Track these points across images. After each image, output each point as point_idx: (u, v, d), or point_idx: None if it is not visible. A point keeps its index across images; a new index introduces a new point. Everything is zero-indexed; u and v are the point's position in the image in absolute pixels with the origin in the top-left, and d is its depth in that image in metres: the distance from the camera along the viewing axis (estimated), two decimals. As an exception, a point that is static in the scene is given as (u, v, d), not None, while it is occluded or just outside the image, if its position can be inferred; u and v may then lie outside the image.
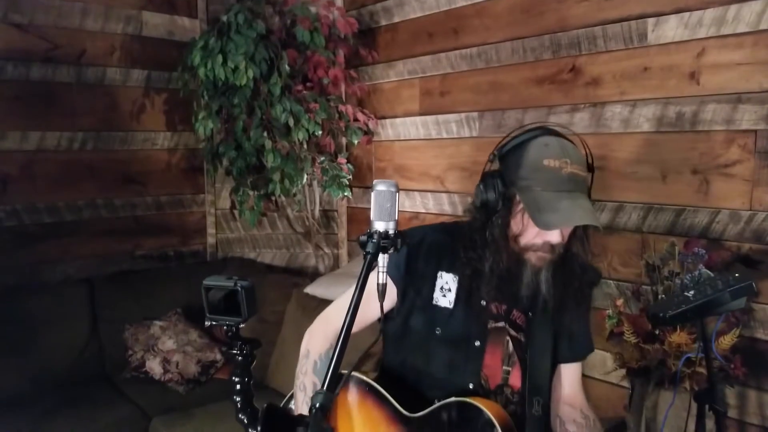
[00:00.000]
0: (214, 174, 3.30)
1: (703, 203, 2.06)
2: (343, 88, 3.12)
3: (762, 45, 1.89)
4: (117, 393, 2.62)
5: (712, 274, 1.74)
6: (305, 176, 2.96)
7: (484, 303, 1.23)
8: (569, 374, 1.37)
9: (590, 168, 1.29)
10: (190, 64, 2.81)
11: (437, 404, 1.19)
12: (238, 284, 0.91)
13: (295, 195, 3.07)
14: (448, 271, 1.27)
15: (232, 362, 0.97)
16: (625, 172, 2.25)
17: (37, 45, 2.88)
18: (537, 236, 1.20)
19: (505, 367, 1.26)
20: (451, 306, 1.26)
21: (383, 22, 3.14)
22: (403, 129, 3.11)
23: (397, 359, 1.36)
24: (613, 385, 2.25)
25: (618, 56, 2.24)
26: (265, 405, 0.94)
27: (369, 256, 1.00)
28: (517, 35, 2.55)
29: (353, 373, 1.23)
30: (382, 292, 1.03)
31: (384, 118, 3.21)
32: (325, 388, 0.77)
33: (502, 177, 1.24)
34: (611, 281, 2.27)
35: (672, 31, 2.09)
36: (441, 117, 2.92)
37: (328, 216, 3.43)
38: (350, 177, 3.14)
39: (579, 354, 1.40)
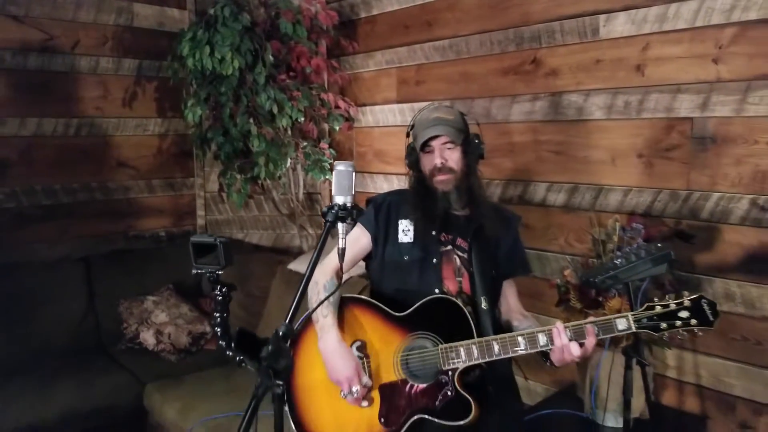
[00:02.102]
0: (203, 158, 3.48)
1: (647, 184, 2.27)
2: (325, 77, 3.29)
3: (698, 40, 2.10)
4: (113, 362, 2.82)
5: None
6: (289, 160, 3.14)
7: (434, 233, 1.63)
8: (511, 290, 1.79)
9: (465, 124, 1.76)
10: (180, 54, 2.98)
11: (418, 303, 1.54)
12: (217, 240, 1.10)
13: (279, 178, 3.25)
14: (404, 218, 1.70)
15: (213, 300, 1.19)
16: (579, 156, 2.46)
17: (33, 36, 3.03)
18: (428, 164, 1.66)
19: (457, 278, 1.62)
20: (411, 240, 1.66)
21: (363, 15, 3.31)
22: (382, 116, 3.30)
23: (382, 286, 1.73)
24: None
25: (574, 49, 2.43)
26: (237, 328, 1.17)
27: (328, 224, 1.21)
28: (485, 29, 2.74)
29: (356, 295, 1.60)
30: (341, 255, 1.25)
31: (364, 105, 3.39)
32: (287, 321, 0.98)
33: (412, 138, 1.75)
34: (567, 256, 2.49)
35: (621, 27, 2.28)
36: (417, 105, 3.09)
37: (311, 198, 3.62)
38: (332, 161, 3.33)
39: (515, 271, 1.79)
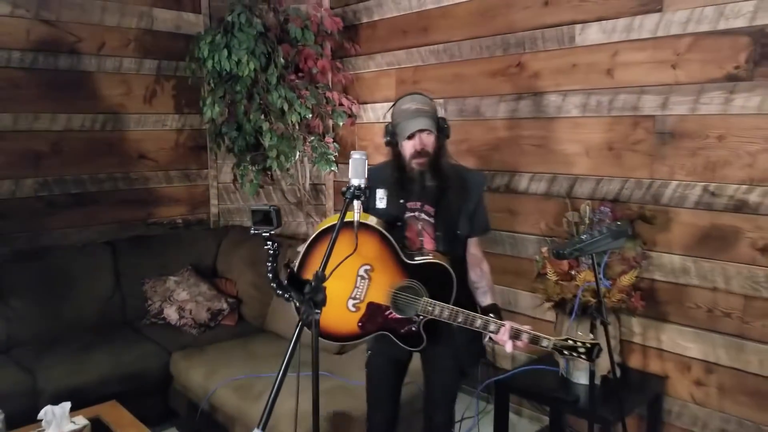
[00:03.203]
0: (217, 151, 3.77)
1: (616, 174, 2.59)
2: (330, 77, 3.59)
3: (659, 48, 2.41)
4: (140, 335, 3.12)
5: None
6: (297, 153, 3.45)
7: (401, 201, 1.91)
8: (473, 247, 2.03)
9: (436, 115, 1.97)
10: (198, 56, 3.27)
11: (423, 260, 1.83)
12: (271, 207, 1.37)
13: (288, 170, 3.55)
14: (380, 188, 1.97)
15: (267, 253, 1.46)
16: (557, 149, 2.78)
17: (64, 38, 3.32)
18: (408, 149, 1.89)
19: (419, 238, 1.93)
20: (384, 207, 1.96)
21: (364, 20, 3.61)
22: (382, 113, 3.60)
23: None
24: (543, 320, 2.79)
25: (553, 55, 2.75)
26: (289, 270, 1.47)
27: (348, 201, 1.52)
28: (475, 35, 3.04)
29: (383, 230, 1.82)
30: (356, 227, 1.56)
31: (365, 103, 3.70)
32: (321, 268, 1.31)
33: (391, 126, 1.96)
34: (547, 238, 2.80)
35: (594, 36, 2.60)
36: (414, 103, 3.41)
37: (317, 189, 3.93)
38: (336, 154, 3.63)
39: (477, 230, 2.01)
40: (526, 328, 1.76)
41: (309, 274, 1.79)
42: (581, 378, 2.40)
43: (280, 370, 1.20)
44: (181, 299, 3.21)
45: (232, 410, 2.48)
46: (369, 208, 1.97)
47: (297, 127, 3.41)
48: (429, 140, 1.88)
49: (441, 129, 1.93)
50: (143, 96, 3.65)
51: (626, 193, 2.56)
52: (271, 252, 1.41)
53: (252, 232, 1.43)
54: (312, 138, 3.51)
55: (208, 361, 2.79)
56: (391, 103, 2.03)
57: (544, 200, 2.85)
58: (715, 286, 2.34)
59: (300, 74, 3.41)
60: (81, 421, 2.22)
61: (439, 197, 1.90)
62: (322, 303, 1.26)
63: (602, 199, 2.60)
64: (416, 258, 1.84)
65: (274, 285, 1.42)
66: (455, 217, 1.93)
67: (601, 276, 2.16)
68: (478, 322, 1.76)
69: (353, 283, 1.82)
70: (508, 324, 1.75)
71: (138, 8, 3.56)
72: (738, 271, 2.28)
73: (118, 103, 3.55)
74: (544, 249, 2.44)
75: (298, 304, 1.28)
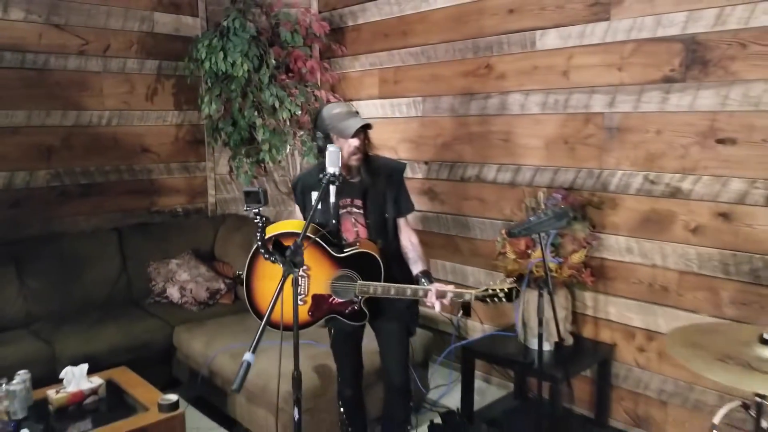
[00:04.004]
0: (214, 145, 4.06)
1: (571, 165, 2.90)
2: (318, 76, 3.88)
3: (608, 53, 2.72)
4: (145, 312, 3.43)
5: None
6: (288, 147, 3.74)
7: (332, 201, 2.00)
8: (402, 225, 2.24)
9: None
10: (196, 57, 3.56)
11: (351, 252, 2.09)
12: (259, 188, 1.64)
13: (280, 162, 3.85)
14: (312, 191, 2.17)
15: (256, 226, 1.75)
16: (521, 143, 3.09)
17: (72, 41, 3.60)
18: (350, 148, 2.06)
19: (354, 229, 2.17)
20: (319, 208, 2.03)
21: (350, 24, 3.91)
22: (366, 109, 3.90)
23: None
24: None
25: (517, 58, 3.05)
26: (274, 239, 1.76)
27: (324, 185, 1.83)
28: (449, 39, 3.34)
29: (312, 236, 2.06)
30: (335, 208, 1.87)
31: (351, 100, 3.99)
32: (300, 239, 1.61)
33: (321, 132, 2.11)
34: (511, 222, 3.11)
35: (552, 41, 2.90)
36: (395, 101, 3.72)
37: (307, 180, 4.22)
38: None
39: (403, 211, 2.23)
40: (449, 287, 2.00)
41: (257, 279, 2.16)
42: (536, 343, 2.72)
43: (269, 309, 1.52)
44: (183, 280, 3.52)
45: (229, 374, 2.79)
46: (306, 209, 2.21)
47: (288, 122, 3.70)
48: (362, 140, 2.10)
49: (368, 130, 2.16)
50: (145, 94, 3.94)
51: (579, 181, 2.87)
52: (260, 225, 1.71)
53: (245, 209, 1.72)
54: (302, 133, 3.81)
55: (207, 333, 3.10)
56: (321, 111, 2.16)
57: (510, 189, 3.16)
58: (654, 263, 2.66)
59: (290, 74, 3.70)
60: (96, 380, 2.54)
61: (365, 190, 2.13)
62: (300, 264, 1.57)
63: (559, 187, 2.92)
64: (345, 250, 2.09)
65: (263, 251, 1.72)
66: (382, 204, 2.16)
67: (549, 253, 2.48)
68: (408, 291, 2.01)
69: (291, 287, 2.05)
70: (432, 287, 2.00)
71: (140, 12, 3.85)
72: (673, 250, 2.60)
73: (123, 101, 3.84)
74: (503, 231, 2.75)
75: (282, 264, 1.58)
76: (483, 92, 3.23)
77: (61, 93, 3.60)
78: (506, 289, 1.96)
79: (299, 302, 2.11)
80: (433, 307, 1.99)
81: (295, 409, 1.62)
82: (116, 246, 3.65)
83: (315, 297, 2.12)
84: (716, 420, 1.28)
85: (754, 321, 2.37)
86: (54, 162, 3.61)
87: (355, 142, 2.05)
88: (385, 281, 2.06)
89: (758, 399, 1.30)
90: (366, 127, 2.09)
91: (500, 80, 3.14)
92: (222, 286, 3.57)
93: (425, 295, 2.00)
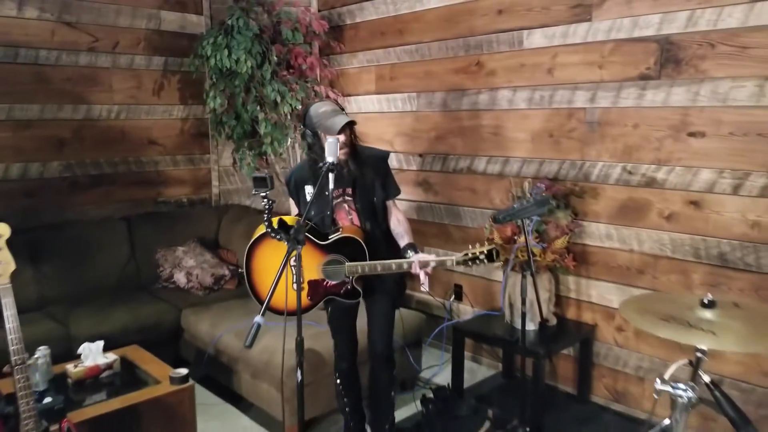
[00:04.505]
0: (218, 138, 4.24)
1: (555, 157, 3.09)
2: (317, 72, 4.05)
3: (589, 52, 2.90)
4: (153, 296, 3.61)
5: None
6: (289, 140, 3.92)
7: (327, 193, 2.19)
8: (391, 206, 2.41)
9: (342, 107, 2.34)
10: (201, 53, 3.73)
11: (335, 238, 2.27)
12: (266, 174, 1.82)
13: (281, 154, 4.03)
14: (307, 184, 2.33)
15: (266, 207, 1.92)
16: (509, 136, 3.27)
17: (83, 38, 3.77)
18: (333, 144, 2.12)
19: (348, 216, 2.33)
20: (314, 199, 2.18)
21: (348, 22, 4.08)
22: (364, 104, 4.08)
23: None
24: (493, 280, 3.31)
25: (506, 56, 3.23)
26: (279, 218, 1.94)
27: (323, 173, 2.01)
28: (442, 37, 3.52)
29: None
30: (331, 197, 2.05)
31: (349, 95, 4.17)
32: (302, 220, 1.80)
33: (309, 129, 2.27)
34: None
35: (538, 40, 3.08)
36: (390, 96, 3.90)
37: (307, 172, 4.40)
38: (324, 141, 4.10)
39: (390, 194, 2.40)
40: (431, 257, 2.17)
41: (256, 274, 2.37)
42: (527, 324, 2.91)
43: (279, 270, 1.72)
44: (189, 266, 3.71)
45: (234, 352, 2.99)
46: (300, 203, 2.37)
47: (289, 116, 3.88)
48: (347, 134, 2.25)
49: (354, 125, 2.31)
50: (152, 89, 4.11)
51: (563, 172, 3.06)
52: (267, 206, 1.90)
53: (253, 192, 1.90)
54: (302, 126, 3.97)
55: (213, 315, 3.28)
56: (309, 109, 2.29)
57: (498, 180, 3.35)
58: (631, 249, 2.85)
59: (291, 70, 3.87)
60: (111, 356, 2.72)
61: (354, 179, 2.31)
62: (303, 242, 1.76)
63: (544, 178, 3.10)
64: (330, 237, 2.27)
65: (269, 230, 1.91)
66: (371, 189, 2.33)
67: (531, 237, 2.66)
68: (393, 266, 2.18)
69: (291, 271, 2.18)
70: (415, 258, 2.16)
71: (147, 11, 4.02)
72: (649, 236, 2.79)
73: (131, 96, 4.02)
74: (490, 217, 2.94)
75: (286, 241, 1.77)
76: (474, 88, 3.41)
77: (73, 88, 3.77)
78: (486, 251, 2.08)
79: (295, 287, 2.28)
80: (419, 278, 2.14)
81: (298, 371, 1.80)
82: (125, 234, 3.83)
83: (310, 283, 2.30)
84: (666, 375, 1.46)
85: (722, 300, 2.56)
86: (66, 154, 3.79)
87: (341, 138, 2.18)
88: (374, 260, 2.23)
89: (698, 354, 1.49)
90: (351, 124, 2.22)
91: (490, 77, 3.32)
92: (226, 272, 3.76)
93: (409, 267, 2.15)
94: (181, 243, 3.89)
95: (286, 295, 1.94)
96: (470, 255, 2.10)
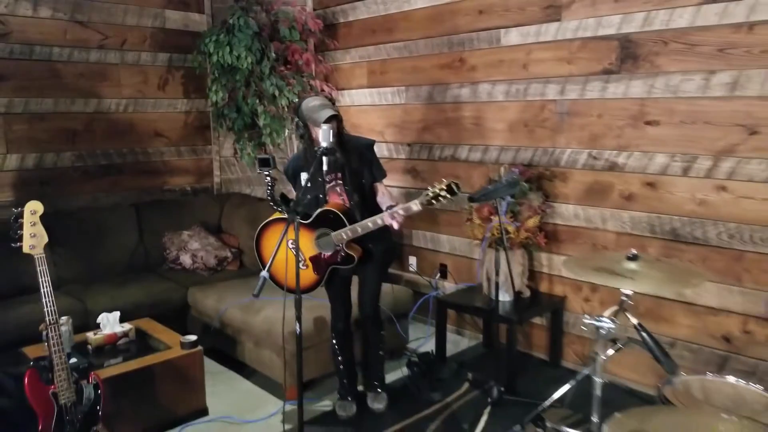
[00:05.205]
0: (219, 130, 4.52)
1: (529, 144, 3.39)
2: (313, 68, 4.33)
3: (559, 49, 3.19)
4: (161, 276, 3.90)
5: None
6: (287, 131, 4.20)
7: (320, 179, 2.47)
8: (379, 186, 2.68)
9: (332, 101, 2.64)
10: (204, 50, 4.01)
11: (314, 215, 2.55)
12: (269, 155, 2.10)
13: (279, 145, 4.31)
14: (302, 171, 2.57)
15: (269, 184, 2.20)
16: (489, 126, 3.56)
17: (93, 36, 4.04)
18: (324, 129, 2.34)
19: (341, 197, 2.60)
20: (309, 185, 2.41)
21: (341, 20, 4.36)
22: (357, 97, 4.36)
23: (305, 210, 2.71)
24: (473, 258, 3.61)
25: (485, 52, 3.52)
26: (280, 192, 2.23)
27: (318, 157, 2.30)
28: (428, 35, 3.81)
29: (281, 216, 2.57)
30: (322, 185, 2.34)
31: (343, 89, 4.46)
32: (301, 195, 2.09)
33: (301, 121, 2.53)
34: (481, 195, 3.60)
35: (514, 38, 3.37)
36: (381, 89, 4.18)
37: (303, 161, 4.68)
38: (319, 132, 4.38)
39: (377, 177, 2.68)
40: (398, 207, 2.40)
41: (263, 249, 2.69)
42: (501, 296, 3.22)
43: (281, 237, 2.03)
44: (194, 248, 3.99)
45: (238, 324, 3.28)
46: (297, 188, 2.62)
47: (286, 109, 4.16)
48: (334, 124, 2.48)
49: (339, 116, 2.57)
50: (158, 84, 4.39)
51: (536, 159, 3.36)
52: (269, 183, 2.19)
53: (257, 171, 2.20)
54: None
55: (217, 292, 3.57)
56: (300, 103, 2.57)
57: (479, 166, 3.64)
58: (596, 227, 3.16)
59: (288, 66, 4.15)
60: (127, 326, 3.02)
61: (343, 165, 2.57)
62: (301, 213, 2.05)
63: (520, 164, 3.40)
64: (311, 215, 2.55)
65: (272, 203, 2.20)
66: (359, 173, 2.60)
67: (504, 215, 2.96)
68: (370, 225, 2.45)
69: (292, 254, 2.44)
70: (385, 212, 2.43)
71: (153, 10, 4.29)
72: (611, 215, 3.09)
73: (138, 90, 4.29)
74: (468, 198, 3.24)
75: (287, 213, 2.06)
76: (457, 82, 3.70)
77: (84, 83, 4.04)
78: (445, 186, 2.28)
79: (302, 267, 2.60)
80: (392, 224, 2.41)
81: (296, 324, 2.10)
82: (134, 219, 4.11)
83: (312, 259, 2.61)
84: (607, 313, 1.77)
85: (674, 272, 2.87)
86: (78, 145, 4.06)
87: (328, 127, 2.37)
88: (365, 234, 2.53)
89: (623, 297, 1.79)
90: (334, 117, 2.46)
91: (471, 72, 3.61)
92: (229, 254, 4.05)
93: (382, 220, 2.41)
94: (186, 227, 4.17)
95: (290, 275, 2.23)
96: (431, 194, 2.28)
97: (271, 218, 2.64)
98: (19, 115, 3.81)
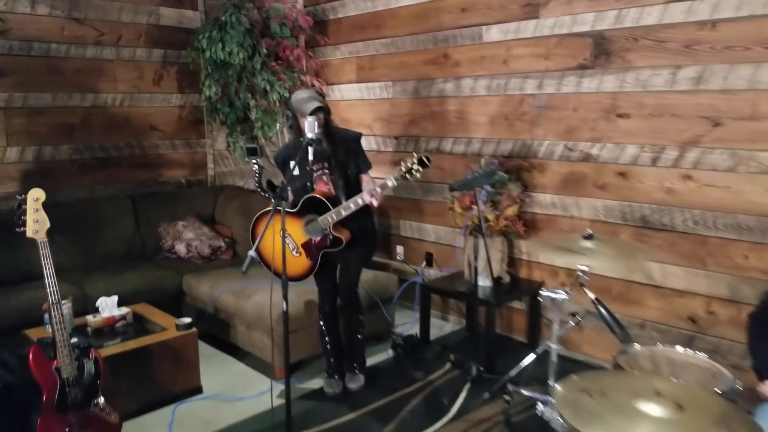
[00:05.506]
0: (213, 124, 4.66)
1: (509, 137, 3.54)
2: (303, 63, 4.47)
3: (537, 45, 3.34)
4: (157, 265, 4.04)
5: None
6: (278, 125, 4.34)
7: (308, 168, 2.60)
8: (364, 177, 2.81)
9: (322, 95, 2.80)
10: (197, 46, 4.14)
11: (300, 203, 2.70)
12: (257, 145, 2.25)
13: (271, 138, 4.45)
14: (291, 160, 2.72)
15: (254, 173, 2.34)
16: (471, 120, 3.72)
17: (89, 33, 4.17)
18: (309, 120, 2.43)
19: (327, 186, 2.75)
20: (297, 174, 2.67)
21: (331, 17, 4.50)
22: (346, 92, 4.51)
23: (295, 201, 2.84)
24: (454, 246, 3.77)
25: (468, 48, 3.67)
26: (267, 180, 2.38)
27: (304, 147, 2.44)
28: (414, 31, 3.95)
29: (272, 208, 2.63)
30: (309, 173, 2.49)
31: (333, 84, 4.60)
32: (284, 184, 2.24)
33: (291, 112, 2.68)
34: (464, 186, 3.75)
35: (495, 35, 3.52)
36: (370, 84, 4.33)
37: (294, 154, 4.83)
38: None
39: (363, 169, 2.81)
40: (376, 186, 2.54)
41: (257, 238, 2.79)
42: (482, 281, 3.38)
43: (271, 215, 2.16)
44: (188, 238, 4.14)
45: (231, 308, 3.43)
46: (286, 176, 2.75)
47: (277, 103, 4.30)
48: (321, 116, 2.64)
49: (326, 108, 2.72)
50: (152, 79, 4.52)
51: (516, 150, 3.51)
52: (257, 171, 2.34)
53: (246, 159, 2.34)
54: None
55: (211, 278, 3.72)
56: (291, 96, 2.75)
57: (462, 158, 3.80)
58: (572, 215, 3.32)
59: (279, 61, 4.29)
60: (125, 309, 3.16)
61: (330, 155, 2.73)
62: (287, 198, 2.20)
63: (500, 156, 3.55)
64: (298, 204, 2.70)
65: (259, 189, 2.35)
66: (345, 164, 2.74)
67: (483, 203, 3.12)
68: (352, 205, 2.60)
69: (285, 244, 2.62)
70: (364, 191, 2.58)
71: (147, 7, 4.41)
72: (586, 203, 3.25)
73: (133, 85, 4.42)
74: (448, 188, 3.39)
75: (273, 198, 2.21)
76: (441, 77, 3.84)
77: (81, 78, 4.17)
78: (415, 160, 2.43)
79: (296, 255, 2.75)
80: (373, 204, 2.56)
81: (283, 303, 2.24)
82: (131, 211, 4.25)
83: (303, 245, 2.76)
84: (566, 288, 1.93)
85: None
86: (76, 138, 4.19)
87: (314, 119, 2.48)
88: (349, 220, 2.68)
89: (579, 273, 1.95)
90: (319, 109, 2.60)
91: (455, 67, 3.76)
92: (222, 244, 4.19)
93: (362, 199, 2.55)
94: (181, 218, 4.31)
95: (287, 264, 2.35)
96: (404, 169, 2.45)
97: (266, 209, 2.78)
98: (19, 109, 3.94)
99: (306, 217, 2.70)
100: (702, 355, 1.92)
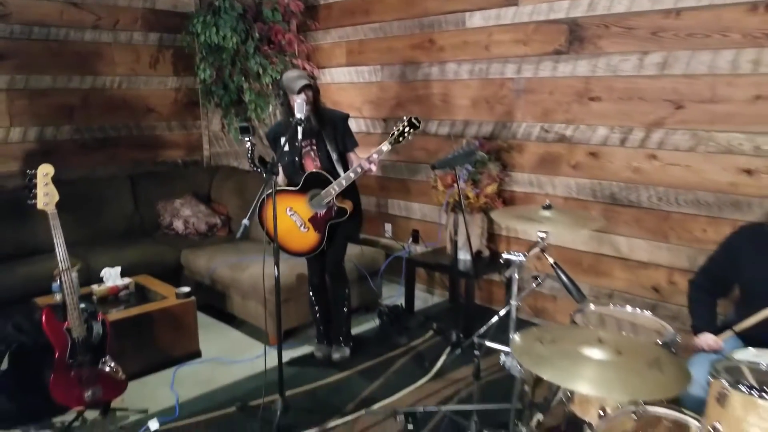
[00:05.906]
0: (207, 106, 4.82)
1: (491, 119, 3.73)
2: (295, 47, 4.63)
3: (516, 31, 3.52)
4: (156, 241, 4.23)
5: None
6: (271, 107, 4.52)
7: (297, 144, 2.80)
8: (352, 156, 2.99)
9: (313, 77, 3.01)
10: (192, 31, 4.29)
11: (303, 178, 2.90)
12: (249, 124, 2.44)
13: (264, 120, 4.63)
14: (282, 136, 2.89)
15: (247, 150, 2.54)
16: (455, 103, 3.91)
17: (88, 17, 4.31)
18: (298, 101, 2.64)
19: (314, 163, 2.94)
20: (287, 149, 2.85)
21: (322, 2, 4.65)
22: (336, 76, 4.68)
23: (285, 175, 3.04)
24: (438, 223, 3.98)
25: (452, 34, 3.84)
26: (259, 156, 2.57)
27: (294, 126, 2.63)
28: (401, 17, 4.12)
29: (279, 187, 2.91)
30: (298, 149, 2.69)
31: (324, 68, 4.77)
32: (275, 159, 2.44)
33: (281, 90, 2.85)
34: (448, 166, 3.95)
35: (477, 21, 3.69)
36: (359, 68, 4.50)
37: (287, 136, 5.01)
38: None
39: (349, 147, 2.99)
40: (371, 154, 2.75)
41: (264, 219, 2.99)
42: (462, 255, 3.60)
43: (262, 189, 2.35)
44: (186, 215, 4.33)
45: (227, 280, 3.64)
46: (277, 151, 2.91)
47: (270, 86, 4.47)
48: (309, 93, 2.80)
49: (315, 87, 2.90)
50: (149, 62, 4.67)
51: (496, 132, 3.71)
52: (250, 148, 2.53)
53: (240, 138, 2.54)
54: (282, 95, 4.57)
55: (208, 253, 3.92)
56: (282, 75, 2.94)
57: (446, 139, 3.99)
58: (548, 193, 3.53)
59: (272, 45, 4.45)
60: (127, 279, 3.37)
61: (317, 133, 2.91)
62: (277, 173, 2.40)
63: (482, 137, 3.75)
64: (299, 181, 2.89)
65: (252, 164, 2.55)
66: (332, 142, 2.92)
67: (463, 182, 3.33)
68: (352, 174, 2.80)
69: (292, 220, 2.90)
70: (362, 160, 2.79)
71: (144, -8, 4.56)
72: (560, 182, 3.46)
73: (130, 68, 4.58)
74: (430, 166, 3.60)
75: (264, 173, 2.41)
76: (427, 61, 4.02)
77: (80, 61, 4.32)
78: (406, 123, 2.66)
79: (303, 230, 2.96)
80: (371, 170, 2.79)
81: (275, 269, 2.45)
82: (129, 189, 4.43)
83: (310, 220, 2.95)
84: (530, 253, 2.14)
85: (612, 230, 3.26)
86: (76, 119, 4.36)
87: (300, 97, 2.70)
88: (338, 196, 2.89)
89: (539, 239, 2.17)
90: (307, 87, 2.77)
91: (440, 52, 3.94)
92: (218, 221, 4.39)
93: (363, 167, 2.76)
94: (178, 196, 4.50)
95: (293, 240, 2.60)
96: (396, 133, 2.68)
97: (269, 191, 2.91)
98: (21, 91, 4.10)
99: (309, 192, 2.90)
100: (648, 314, 2.15)
